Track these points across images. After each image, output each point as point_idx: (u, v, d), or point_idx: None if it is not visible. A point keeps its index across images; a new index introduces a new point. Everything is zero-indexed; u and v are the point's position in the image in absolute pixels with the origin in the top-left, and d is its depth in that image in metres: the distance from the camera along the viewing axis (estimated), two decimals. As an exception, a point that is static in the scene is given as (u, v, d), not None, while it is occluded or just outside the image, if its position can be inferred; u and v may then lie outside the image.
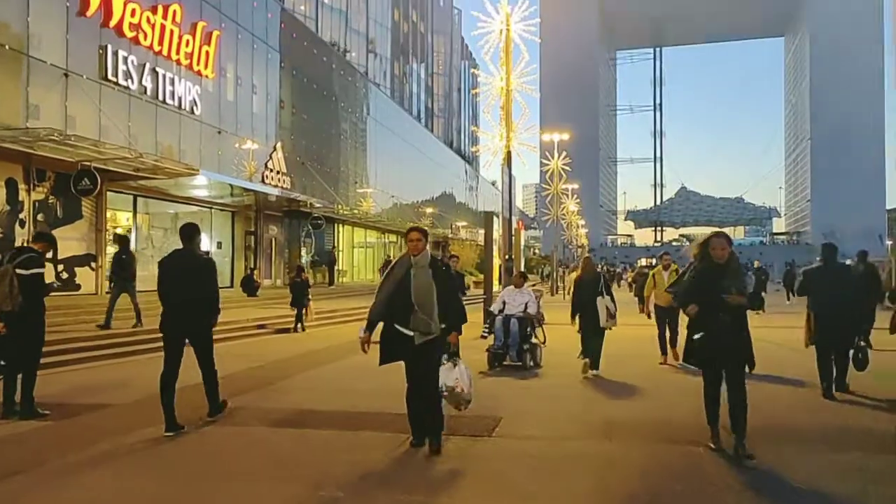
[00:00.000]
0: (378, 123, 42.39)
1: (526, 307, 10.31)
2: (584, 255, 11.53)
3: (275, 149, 26.76)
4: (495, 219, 16.14)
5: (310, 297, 15.91)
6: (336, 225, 36.45)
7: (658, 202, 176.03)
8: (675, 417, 6.73)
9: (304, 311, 15.59)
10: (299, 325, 15.49)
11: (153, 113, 20.00)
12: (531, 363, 10.02)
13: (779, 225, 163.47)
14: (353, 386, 8.41)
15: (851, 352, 7.88)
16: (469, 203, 67.26)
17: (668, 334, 10.41)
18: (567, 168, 41.77)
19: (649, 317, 10.73)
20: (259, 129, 26.72)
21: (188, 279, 6.15)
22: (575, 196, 52.87)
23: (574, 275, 21.93)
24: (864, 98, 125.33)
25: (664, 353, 10.42)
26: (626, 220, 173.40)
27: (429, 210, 52.10)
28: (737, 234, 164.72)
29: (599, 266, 42.73)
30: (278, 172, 26.87)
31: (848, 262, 12.56)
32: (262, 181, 25.36)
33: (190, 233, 6.35)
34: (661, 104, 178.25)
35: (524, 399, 7.88)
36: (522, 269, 21.73)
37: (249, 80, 26.14)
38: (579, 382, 8.92)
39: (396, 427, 6.09)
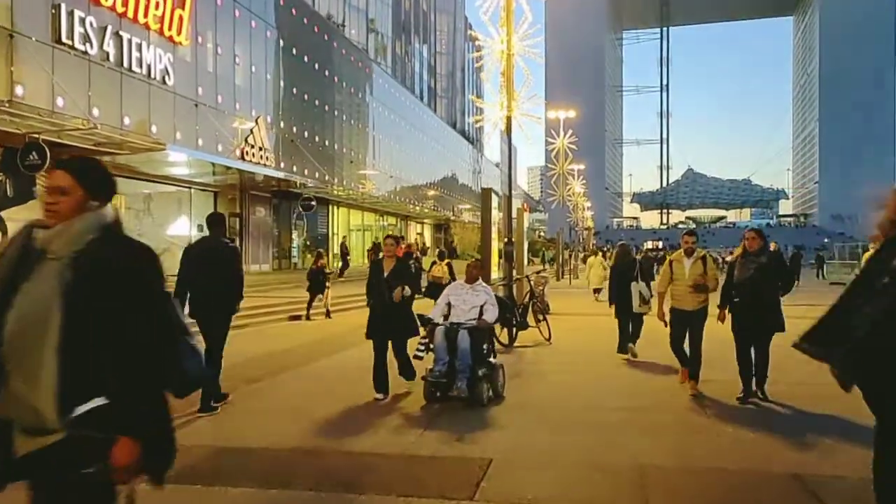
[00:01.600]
0: (378, 102, 40.53)
1: (481, 312, 7.13)
2: (620, 243, 11.15)
3: (256, 123, 24.82)
4: (495, 197, 14.28)
5: (328, 284, 15.93)
6: (330, 207, 34.71)
7: (664, 184, 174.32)
8: (729, 464, 4.89)
9: (324, 296, 15.81)
10: (311, 311, 15.55)
11: (117, 82, 18.07)
12: (489, 394, 6.81)
13: (786, 207, 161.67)
14: (316, 403, 6.80)
15: None
16: (473, 186, 65.33)
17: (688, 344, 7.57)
18: (573, 147, 40.19)
19: (665, 323, 7.65)
20: (243, 103, 24.82)
21: (213, 265, 6.52)
22: (580, 177, 51.17)
23: (593, 259, 20.43)
24: (873, 78, 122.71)
25: (685, 365, 7.57)
26: (631, 202, 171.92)
27: (430, 192, 50.46)
28: (743, 216, 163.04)
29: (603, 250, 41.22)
30: (261, 149, 24.98)
31: None
32: (242, 158, 23.45)
33: (215, 221, 6.82)
34: (667, 85, 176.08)
35: (518, 427, 6.02)
36: (526, 252, 19.90)
37: (231, 50, 24.18)
38: (586, 401, 7.15)
39: (341, 478, 4.36)
